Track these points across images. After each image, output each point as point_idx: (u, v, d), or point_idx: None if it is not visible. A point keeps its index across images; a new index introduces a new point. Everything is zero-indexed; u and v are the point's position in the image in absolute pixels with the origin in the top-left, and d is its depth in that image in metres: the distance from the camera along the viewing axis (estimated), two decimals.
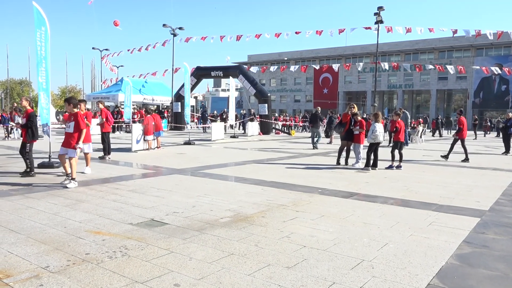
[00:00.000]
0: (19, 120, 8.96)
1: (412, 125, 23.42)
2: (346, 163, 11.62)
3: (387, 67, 36.06)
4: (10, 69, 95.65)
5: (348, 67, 39.32)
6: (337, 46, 68.60)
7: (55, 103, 60.06)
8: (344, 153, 11.78)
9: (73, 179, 7.58)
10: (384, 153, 15.71)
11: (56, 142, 16.23)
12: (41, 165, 9.72)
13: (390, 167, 11.00)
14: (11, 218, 5.23)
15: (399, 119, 11.58)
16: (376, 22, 29.13)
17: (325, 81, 68.98)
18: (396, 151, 11.29)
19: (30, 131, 8.71)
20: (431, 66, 35.16)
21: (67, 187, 7.36)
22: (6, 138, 18.81)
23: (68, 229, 4.81)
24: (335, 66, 37.62)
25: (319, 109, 19.16)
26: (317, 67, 42.03)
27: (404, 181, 8.96)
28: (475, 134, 30.22)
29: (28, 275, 3.44)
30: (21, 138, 9.09)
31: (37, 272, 3.51)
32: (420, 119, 31.78)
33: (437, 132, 33.06)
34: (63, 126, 8.61)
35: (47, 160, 10.01)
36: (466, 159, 13.12)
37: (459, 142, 13.44)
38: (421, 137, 23.72)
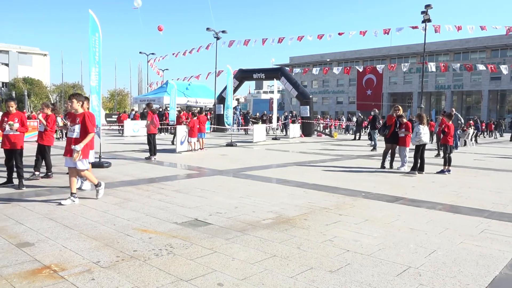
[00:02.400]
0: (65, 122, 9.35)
1: (463, 128, 22.40)
2: (391, 166, 11.31)
3: (434, 69, 34.71)
4: (64, 73, 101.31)
5: (393, 68, 38.17)
6: (382, 46, 66.97)
7: (105, 105, 62.87)
8: (389, 156, 11.47)
9: (72, 194, 6.20)
10: (431, 156, 15.12)
11: (105, 143, 16.97)
12: (92, 165, 10.17)
13: (442, 171, 10.57)
14: (65, 215, 5.53)
15: (450, 122, 11.11)
16: (424, 21, 28.16)
17: (369, 82, 67.48)
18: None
19: None
20: (482, 67, 33.48)
21: (61, 204, 6.03)
22: (61, 139, 19.92)
23: (117, 226, 5.02)
24: (380, 67, 36.74)
25: (376, 110, 18.82)
26: (361, 69, 41.27)
27: (453, 186, 8.59)
28: None
29: (81, 269, 3.63)
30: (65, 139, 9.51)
31: (89, 267, 3.69)
32: (471, 121, 30.34)
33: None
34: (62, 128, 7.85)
35: (98, 160, 10.46)
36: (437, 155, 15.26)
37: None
38: (471, 140, 22.64)
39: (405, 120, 11.20)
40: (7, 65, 75.07)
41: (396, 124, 11.19)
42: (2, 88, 73.70)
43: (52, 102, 42.77)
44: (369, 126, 20.99)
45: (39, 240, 4.43)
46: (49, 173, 8.57)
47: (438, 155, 15.32)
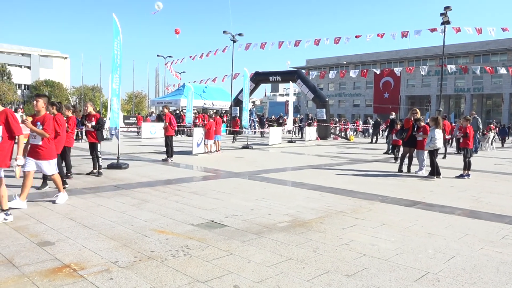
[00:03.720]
0: (88, 124, 9.50)
1: (483, 132, 22.01)
2: (409, 170, 11.16)
3: (454, 69, 34.11)
4: (83, 76, 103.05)
5: (411, 71, 37.68)
6: (400, 49, 66.19)
7: (123, 107, 63.71)
8: (406, 160, 11.33)
9: (61, 190, 6.21)
10: (453, 161, 14.89)
11: (123, 144, 17.21)
12: (110, 166, 10.34)
13: (461, 176, 10.39)
14: (85, 215, 5.63)
15: (469, 125, 10.91)
16: (443, 23, 27.73)
17: (386, 85, 66.82)
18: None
19: (100, 132, 9.46)
20: (503, 69, 32.75)
21: (55, 202, 5.85)
22: (80, 140, 20.28)
23: (134, 227, 5.09)
24: (397, 70, 36.32)
25: (394, 114, 18.53)
26: (378, 72, 40.79)
27: (473, 191, 8.42)
28: None
29: (99, 269, 3.68)
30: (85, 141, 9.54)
31: (107, 266, 3.74)
32: (492, 125, 29.73)
33: None
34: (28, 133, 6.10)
35: (116, 161, 10.62)
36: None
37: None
38: (491, 144, 22.18)
39: (422, 123, 11.05)
40: (29, 68, 76.92)
41: (413, 127, 11.05)
42: (25, 91, 75.52)
43: (72, 104, 43.52)
44: (386, 130, 20.70)
45: (59, 239, 4.52)
46: (69, 174, 8.72)
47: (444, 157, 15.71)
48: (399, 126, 13.68)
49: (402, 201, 7.20)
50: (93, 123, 9.42)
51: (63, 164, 8.75)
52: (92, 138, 9.50)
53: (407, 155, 11.32)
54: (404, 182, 9.56)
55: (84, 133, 20.06)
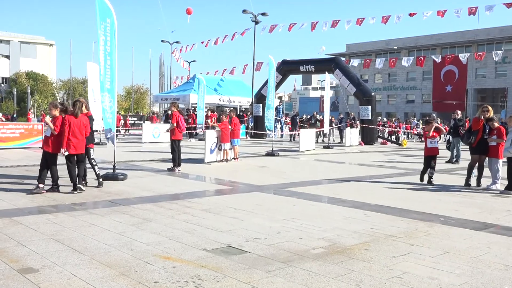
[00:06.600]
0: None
1: None
2: (479, 184, 10.96)
3: None
4: (72, 67, 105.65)
5: (481, 57, 37.05)
6: (466, 29, 65.15)
7: (120, 105, 64.86)
8: (475, 171, 11.12)
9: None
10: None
11: (121, 150, 17.51)
12: (105, 177, 10.48)
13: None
14: (74, 236, 5.76)
15: None
16: None
17: (449, 76, 65.79)
18: None
19: (90, 134, 9.75)
20: None
21: None
22: None
23: (134, 252, 5.18)
24: (463, 57, 35.74)
25: (459, 112, 18.04)
26: (438, 59, 40.23)
27: None
28: None
29: None
30: None
31: None
32: None
33: None
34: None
35: (111, 171, 10.79)
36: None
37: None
38: None
39: (496, 124, 10.81)
40: (8, 57, 79.30)
41: (484, 129, 10.83)
42: (2, 85, 77.86)
43: (60, 101, 44.62)
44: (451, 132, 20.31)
45: (44, 265, 4.64)
46: (55, 186, 8.92)
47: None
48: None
49: (470, 223, 7.09)
50: None
51: (49, 174, 8.96)
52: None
53: (477, 164, 11.11)
54: (472, 199, 9.40)
55: None
